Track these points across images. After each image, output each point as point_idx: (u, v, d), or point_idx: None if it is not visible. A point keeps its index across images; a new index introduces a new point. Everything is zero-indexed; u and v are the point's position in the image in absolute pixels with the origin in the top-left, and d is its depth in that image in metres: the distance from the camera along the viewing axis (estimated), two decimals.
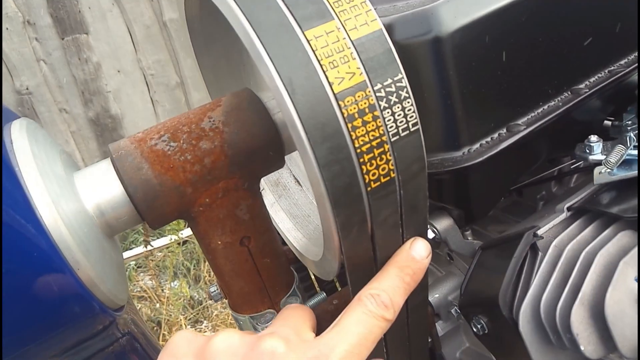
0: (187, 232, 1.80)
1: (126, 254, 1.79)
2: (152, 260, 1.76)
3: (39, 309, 0.25)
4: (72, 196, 0.27)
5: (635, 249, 0.33)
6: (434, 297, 0.47)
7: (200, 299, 1.57)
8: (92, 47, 1.78)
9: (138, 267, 1.77)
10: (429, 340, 0.48)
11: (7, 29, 1.67)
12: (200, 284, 1.64)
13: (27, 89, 1.76)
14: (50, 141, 0.30)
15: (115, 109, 1.89)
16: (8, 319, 0.25)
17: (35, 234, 0.23)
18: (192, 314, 1.52)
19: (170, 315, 1.51)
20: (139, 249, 1.81)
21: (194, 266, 1.69)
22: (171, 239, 1.79)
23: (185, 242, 1.78)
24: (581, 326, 0.33)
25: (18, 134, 0.26)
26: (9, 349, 0.26)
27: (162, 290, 1.62)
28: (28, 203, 0.24)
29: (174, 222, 0.32)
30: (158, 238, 1.85)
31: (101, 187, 0.28)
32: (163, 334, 1.45)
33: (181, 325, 1.47)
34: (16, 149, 0.25)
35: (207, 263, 1.67)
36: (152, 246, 1.81)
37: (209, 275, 1.65)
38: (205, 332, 1.47)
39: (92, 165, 0.30)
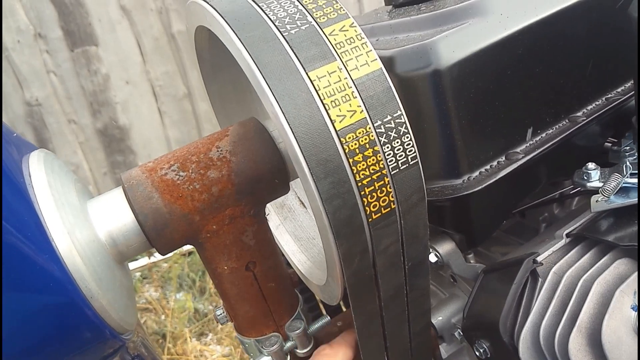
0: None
1: (131, 265, 1.80)
2: (158, 272, 1.77)
3: (51, 335, 0.26)
4: (85, 225, 0.28)
5: (632, 278, 0.33)
6: (438, 319, 0.47)
7: (205, 311, 1.58)
8: (101, 59, 1.81)
9: (143, 278, 1.77)
10: None
11: (18, 41, 1.71)
12: (205, 295, 1.64)
13: (36, 100, 1.80)
14: (66, 171, 0.31)
15: (123, 120, 1.92)
16: (22, 344, 0.26)
17: (51, 263, 0.24)
18: (197, 326, 1.52)
19: (175, 327, 1.51)
20: (144, 260, 1.82)
21: (199, 277, 1.70)
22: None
23: (190, 253, 1.78)
24: (579, 354, 0.33)
25: (36, 166, 0.27)
26: None
27: (167, 302, 1.63)
28: (44, 233, 0.25)
29: None
30: None
31: (113, 216, 0.29)
32: (168, 346, 1.45)
33: (186, 338, 1.47)
34: (34, 180, 0.26)
35: None
36: (155, 257, 1.82)
37: (215, 287, 1.65)
38: (210, 345, 1.47)
39: (105, 194, 0.31)
